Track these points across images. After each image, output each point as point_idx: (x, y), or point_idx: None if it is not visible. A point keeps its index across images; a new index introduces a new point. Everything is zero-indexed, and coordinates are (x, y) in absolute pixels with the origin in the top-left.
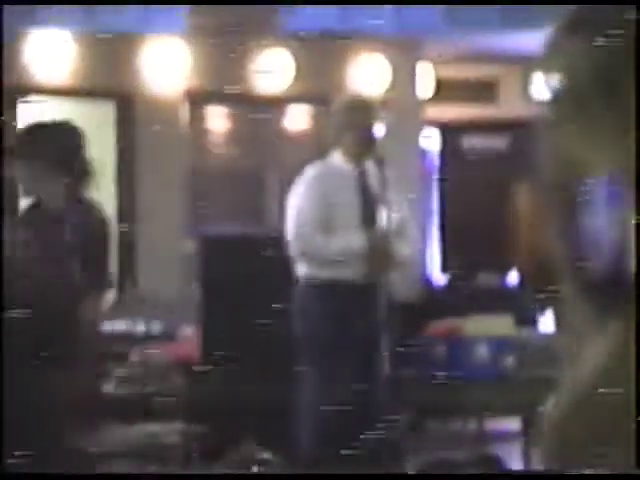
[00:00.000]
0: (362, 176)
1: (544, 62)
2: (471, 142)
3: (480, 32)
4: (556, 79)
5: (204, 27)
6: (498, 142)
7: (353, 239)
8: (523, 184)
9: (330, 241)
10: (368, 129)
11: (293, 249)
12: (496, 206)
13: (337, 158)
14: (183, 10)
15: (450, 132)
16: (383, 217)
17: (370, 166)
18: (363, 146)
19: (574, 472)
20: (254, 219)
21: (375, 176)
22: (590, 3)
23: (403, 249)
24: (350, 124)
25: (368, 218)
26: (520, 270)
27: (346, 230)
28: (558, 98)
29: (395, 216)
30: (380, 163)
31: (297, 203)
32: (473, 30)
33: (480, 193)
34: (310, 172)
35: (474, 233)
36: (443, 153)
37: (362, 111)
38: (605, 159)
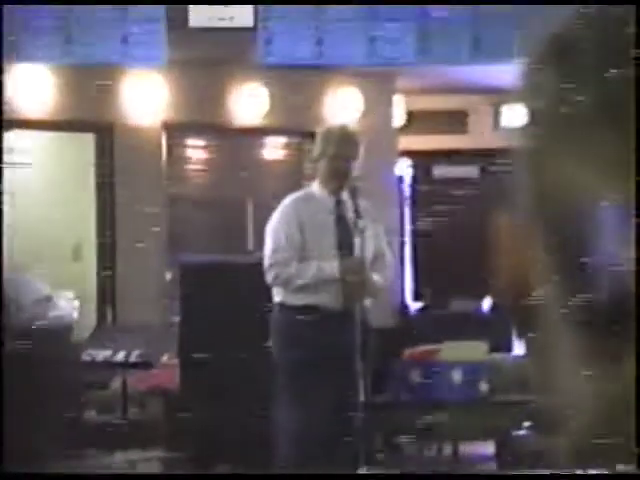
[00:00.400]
0: (338, 205)
1: (526, 90)
2: (442, 171)
3: (451, 64)
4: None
5: (181, 60)
6: (469, 171)
7: (327, 267)
8: (500, 213)
9: (304, 268)
10: (344, 159)
11: (269, 275)
12: (469, 234)
13: (315, 187)
14: (162, 42)
15: (421, 161)
16: (358, 246)
17: (346, 196)
18: (339, 176)
19: (572, 472)
20: (232, 247)
21: (350, 205)
22: (590, 3)
23: (379, 277)
24: (326, 154)
25: (344, 246)
26: (494, 297)
27: (322, 258)
28: (544, 122)
29: (370, 244)
30: (354, 192)
31: (274, 230)
32: (444, 62)
33: (452, 221)
34: (287, 200)
35: (446, 260)
36: (414, 182)
37: (338, 141)
38: (606, 184)
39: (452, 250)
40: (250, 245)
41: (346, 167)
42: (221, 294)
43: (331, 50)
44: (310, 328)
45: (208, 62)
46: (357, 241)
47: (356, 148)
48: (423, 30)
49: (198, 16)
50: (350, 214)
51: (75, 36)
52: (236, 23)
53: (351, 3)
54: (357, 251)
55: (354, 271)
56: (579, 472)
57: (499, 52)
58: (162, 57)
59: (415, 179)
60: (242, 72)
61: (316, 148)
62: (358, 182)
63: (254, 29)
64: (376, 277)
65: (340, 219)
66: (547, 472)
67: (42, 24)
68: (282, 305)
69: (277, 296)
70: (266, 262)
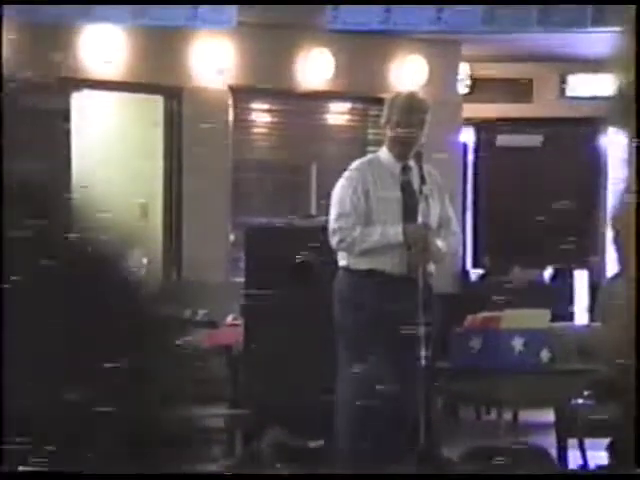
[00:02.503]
0: (404, 171)
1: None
2: (506, 139)
3: (517, 32)
4: None
5: (249, 23)
6: (532, 139)
7: (390, 232)
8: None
9: (368, 233)
10: (409, 126)
11: (333, 239)
12: (531, 203)
13: (383, 154)
14: (231, 6)
15: (485, 129)
16: (423, 211)
17: (412, 162)
18: (404, 143)
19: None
20: (295, 210)
21: (416, 172)
22: (590, 3)
23: (444, 244)
24: (396, 121)
25: (409, 212)
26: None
27: (387, 223)
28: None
29: (435, 211)
30: (419, 159)
31: (340, 195)
32: (510, 30)
33: (514, 189)
34: (354, 165)
35: (508, 229)
36: (478, 150)
37: (409, 109)
38: None
39: (514, 219)
40: (313, 209)
41: (411, 134)
42: (284, 257)
43: (398, 17)
44: (374, 292)
45: (275, 26)
46: (422, 207)
47: (422, 116)
48: None
49: None
50: (416, 180)
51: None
52: None
53: None
54: (421, 217)
55: (418, 236)
56: (579, 472)
57: (568, 20)
58: (231, 20)
59: (478, 147)
60: (309, 37)
61: (384, 115)
62: (423, 149)
63: None
64: (440, 243)
65: (406, 185)
66: (547, 472)
67: None
68: (346, 269)
69: (342, 260)
70: (331, 226)
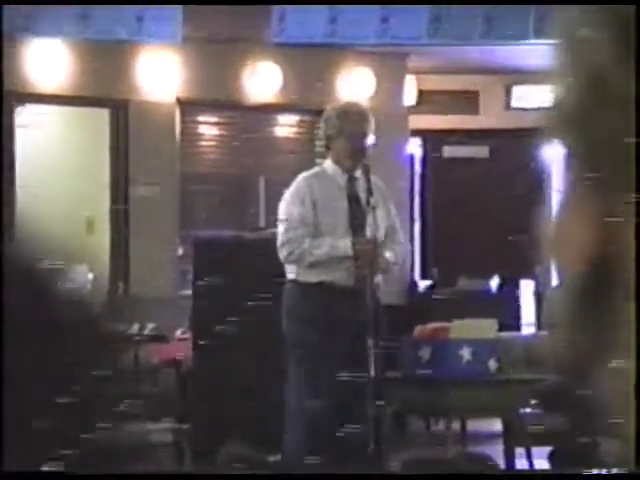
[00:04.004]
0: (351, 183)
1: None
2: (452, 150)
3: (462, 44)
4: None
5: (196, 38)
6: (479, 151)
7: (340, 244)
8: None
9: (317, 245)
10: (359, 137)
11: (282, 252)
12: (478, 213)
13: (328, 166)
14: (177, 20)
15: (432, 141)
16: (370, 223)
17: (359, 174)
18: (354, 154)
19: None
20: (244, 224)
21: (363, 183)
22: (590, 3)
23: (391, 255)
24: (342, 132)
25: (356, 224)
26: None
27: (334, 235)
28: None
29: (382, 222)
30: (367, 170)
31: (287, 207)
32: (456, 42)
33: (461, 200)
34: (300, 178)
35: (455, 239)
36: (425, 161)
37: (354, 119)
38: None
39: (460, 229)
40: (262, 222)
41: (363, 145)
42: (233, 270)
43: (344, 29)
44: (322, 305)
45: (222, 40)
46: (369, 218)
47: (371, 126)
48: (435, 9)
49: None
50: (362, 192)
51: (91, 12)
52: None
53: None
54: (369, 228)
55: (366, 249)
56: (579, 472)
57: (511, 32)
58: (176, 35)
59: (425, 158)
60: (255, 50)
61: (330, 126)
62: (370, 160)
63: (269, 7)
64: (388, 254)
65: (352, 197)
66: (547, 472)
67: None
68: (294, 282)
69: (290, 273)
70: (279, 239)
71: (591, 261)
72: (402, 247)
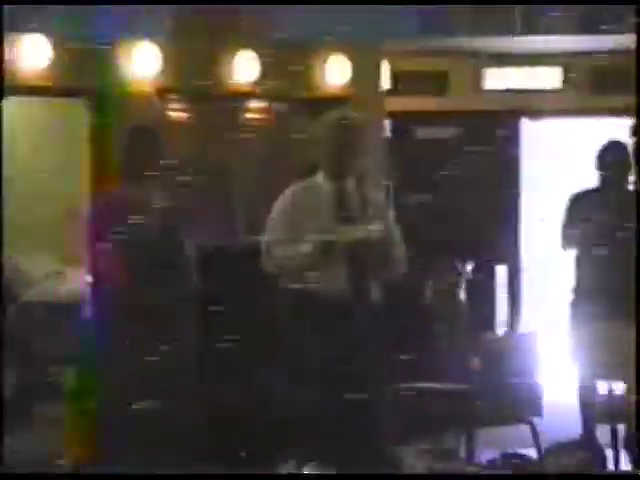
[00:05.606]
0: (340, 193)
1: None
2: (423, 132)
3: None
4: None
5: (176, 31)
6: (448, 132)
7: (302, 246)
8: None
9: (283, 250)
10: (339, 147)
11: (266, 264)
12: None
13: (319, 175)
14: (158, 15)
15: (403, 122)
16: (362, 230)
17: (350, 185)
18: (336, 164)
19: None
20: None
21: (356, 195)
22: (590, 3)
23: (389, 261)
24: (324, 141)
25: (346, 233)
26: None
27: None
28: None
29: (375, 228)
30: (360, 182)
31: (272, 217)
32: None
33: (432, 181)
34: (289, 190)
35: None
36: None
37: (335, 128)
38: None
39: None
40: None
41: (343, 154)
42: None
43: (320, 23)
44: (311, 311)
45: (201, 30)
46: (360, 226)
47: (356, 135)
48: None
49: None
50: (354, 203)
51: (72, 7)
52: None
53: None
54: (360, 234)
55: (358, 252)
56: (580, 472)
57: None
58: (158, 29)
59: (396, 139)
60: (234, 39)
61: (317, 135)
62: (365, 171)
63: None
64: (389, 255)
65: (342, 207)
66: (548, 472)
67: None
68: (283, 289)
69: (280, 280)
70: (263, 251)
71: None
72: (399, 263)
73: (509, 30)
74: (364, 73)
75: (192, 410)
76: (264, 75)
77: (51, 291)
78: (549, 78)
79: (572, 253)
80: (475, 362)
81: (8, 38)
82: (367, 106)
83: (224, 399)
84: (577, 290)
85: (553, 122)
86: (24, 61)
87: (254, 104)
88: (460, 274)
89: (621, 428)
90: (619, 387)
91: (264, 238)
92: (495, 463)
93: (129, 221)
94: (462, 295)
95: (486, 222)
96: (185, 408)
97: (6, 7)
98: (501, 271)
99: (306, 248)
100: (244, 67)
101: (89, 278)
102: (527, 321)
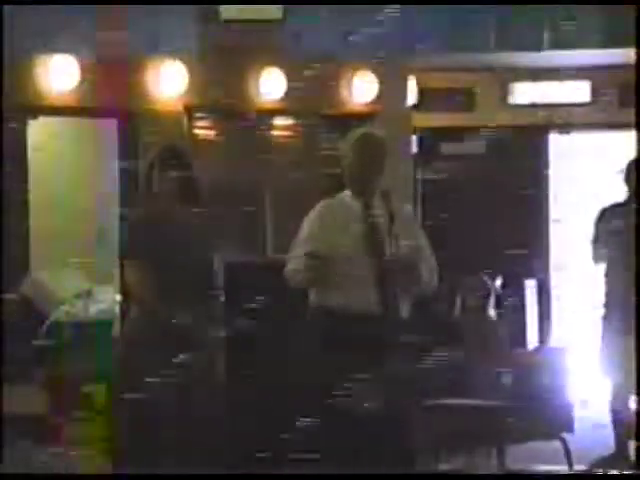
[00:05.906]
0: (367, 210)
1: None
2: (449, 147)
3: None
4: None
5: (207, 48)
6: (475, 147)
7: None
8: None
9: (294, 264)
10: (360, 165)
11: (291, 280)
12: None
13: (346, 192)
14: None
15: (429, 138)
16: (390, 248)
17: (377, 201)
18: (359, 181)
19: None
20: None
21: (382, 211)
22: (590, 3)
23: (420, 276)
24: (347, 159)
25: (373, 249)
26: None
27: (350, 263)
28: None
29: (405, 245)
30: (387, 197)
31: (299, 233)
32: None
33: (460, 197)
34: (317, 207)
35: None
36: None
37: (357, 146)
38: None
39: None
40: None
41: (364, 172)
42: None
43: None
44: (339, 328)
45: (229, 49)
46: (389, 246)
47: (375, 152)
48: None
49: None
50: (383, 219)
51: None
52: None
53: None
54: (389, 252)
55: (385, 272)
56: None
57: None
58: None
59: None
60: (262, 57)
61: (342, 153)
62: (388, 186)
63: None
64: (417, 275)
65: (370, 224)
66: (548, 472)
67: (70, 14)
68: (312, 304)
69: (311, 296)
70: (289, 268)
71: None
72: (432, 277)
73: (536, 45)
74: (391, 89)
75: (219, 426)
76: (291, 92)
77: (81, 310)
78: (577, 92)
79: (602, 268)
80: (506, 378)
81: (37, 59)
82: (394, 122)
83: (250, 413)
84: (608, 304)
85: (581, 136)
86: (53, 81)
87: (281, 121)
88: (489, 290)
89: None
90: None
91: (291, 258)
92: None
93: (159, 238)
94: (491, 311)
95: (514, 237)
96: (213, 425)
97: (35, 24)
98: (530, 286)
99: (308, 262)
100: (271, 84)
101: (119, 297)
102: (558, 336)
